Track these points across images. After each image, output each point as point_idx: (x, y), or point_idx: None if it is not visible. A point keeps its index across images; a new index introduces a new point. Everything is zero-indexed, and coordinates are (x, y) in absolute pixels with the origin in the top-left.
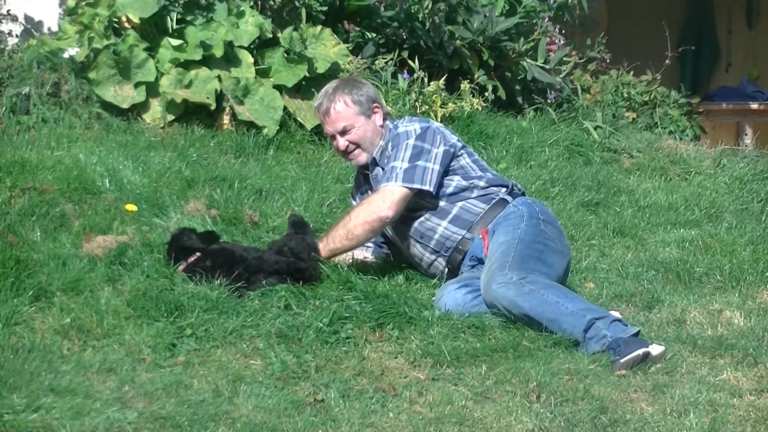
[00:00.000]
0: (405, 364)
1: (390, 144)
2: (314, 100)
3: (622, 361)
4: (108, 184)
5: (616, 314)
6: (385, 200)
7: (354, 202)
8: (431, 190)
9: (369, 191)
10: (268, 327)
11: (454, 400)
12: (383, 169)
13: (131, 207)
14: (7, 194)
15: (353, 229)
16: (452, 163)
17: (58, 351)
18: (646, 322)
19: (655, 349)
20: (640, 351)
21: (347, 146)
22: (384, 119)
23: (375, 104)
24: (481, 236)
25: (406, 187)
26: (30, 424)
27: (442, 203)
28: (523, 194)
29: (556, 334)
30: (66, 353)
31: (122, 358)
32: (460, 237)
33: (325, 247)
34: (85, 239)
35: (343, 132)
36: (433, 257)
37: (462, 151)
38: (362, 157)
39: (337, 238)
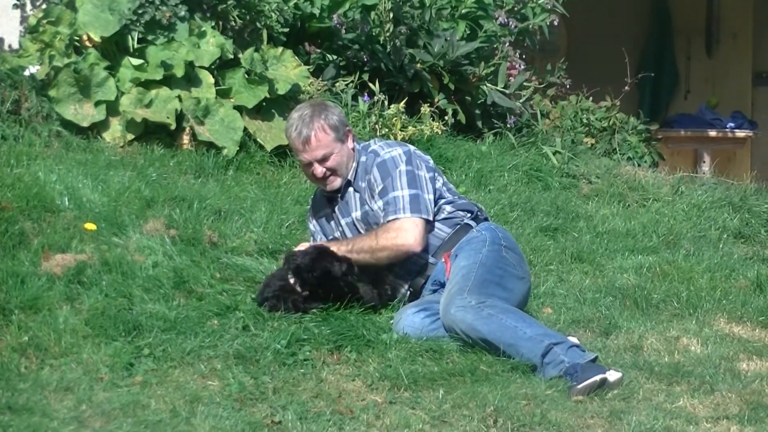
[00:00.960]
0: (363, 387)
1: (375, 171)
2: (288, 127)
3: (579, 386)
4: (67, 203)
5: (574, 340)
6: (412, 233)
7: (311, 226)
8: (432, 219)
9: (332, 214)
10: (226, 348)
11: (412, 424)
12: (377, 196)
13: (90, 226)
14: None
15: (379, 251)
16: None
17: (15, 369)
18: (604, 348)
19: (612, 375)
20: (597, 377)
21: (324, 173)
22: (354, 140)
23: (347, 128)
24: (444, 260)
25: (422, 218)
26: None
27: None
28: (486, 219)
29: (513, 358)
30: (24, 371)
31: (80, 377)
32: (424, 261)
33: (345, 251)
34: (43, 257)
35: (323, 159)
36: (399, 281)
37: (435, 175)
38: (337, 182)
39: (362, 253)
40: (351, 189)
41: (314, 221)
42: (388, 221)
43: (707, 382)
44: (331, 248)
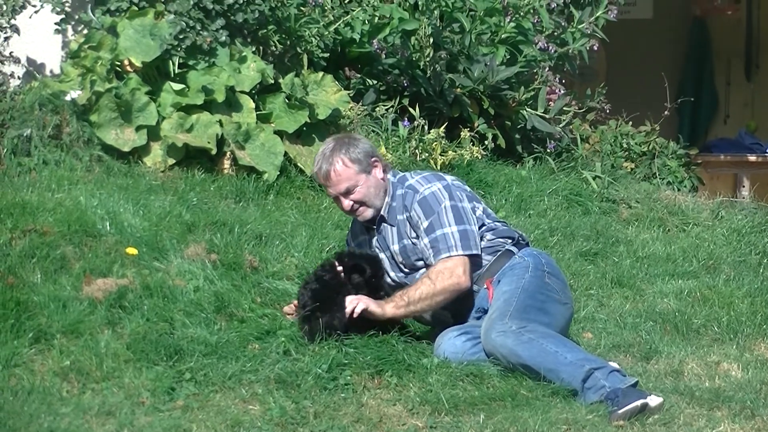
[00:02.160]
0: (403, 412)
1: (417, 207)
2: (313, 164)
3: (620, 411)
4: (108, 227)
5: (615, 365)
6: (463, 270)
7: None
8: (480, 253)
9: (369, 243)
10: (267, 372)
11: None
12: (422, 233)
13: (132, 250)
14: (8, 236)
15: (437, 295)
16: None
17: (57, 393)
18: (644, 372)
19: (653, 401)
20: (638, 402)
21: (352, 206)
22: (384, 171)
23: (373, 158)
24: (486, 287)
25: (472, 254)
26: None
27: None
28: (527, 244)
29: (554, 383)
30: (65, 396)
31: (121, 401)
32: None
33: (404, 305)
34: (85, 282)
35: (347, 192)
36: (440, 309)
37: (474, 203)
38: (368, 213)
39: (421, 301)
40: (385, 224)
41: (353, 245)
42: (440, 260)
43: (748, 407)
44: (390, 305)
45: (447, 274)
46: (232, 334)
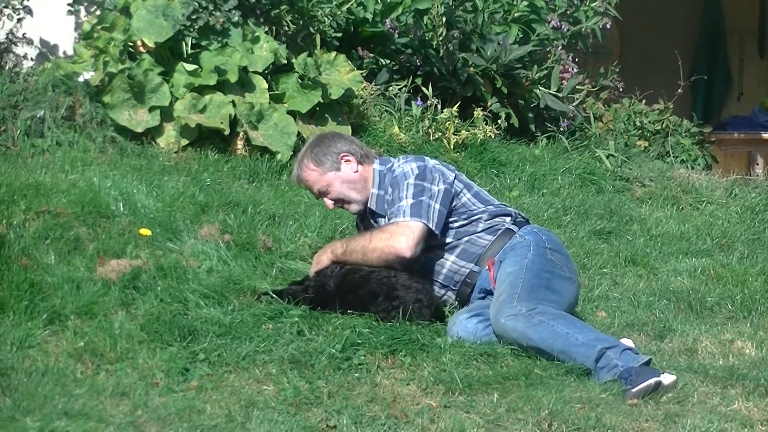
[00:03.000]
0: (417, 391)
1: (389, 188)
2: None
3: (633, 390)
4: (122, 208)
5: (628, 343)
6: (406, 238)
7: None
8: (436, 231)
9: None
10: (281, 353)
11: (466, 428)
12: (385, 216)
13: (145, 231)
14: (22, 217)
15: (370, 252)
16: (454, 203)
17: (71, 374)
18: (658, 351)
19: (667, 379)
20: (652, 380)
21: (334, 204)
22: (362, 163)
23: (342, 154)
24: (487, 268)
25: (422, 223)
26: None
27: (448, 239)
28: (528, 222)
29: (567, 363)
30: (79, 377)
31: (135, 382)
32: (468, 270)
33: (341, 251)
34: (99, 263)
35: (322, 193)
36: (442, 291)
37: (460, 186)
38: (353, 207)
39: (354, 253)
40: (379, 217)
41: (359, 228)
42: (387, 224)
43: (762, 385)
44: (327, 252)
45: (386, 235)
46: (245, 314)
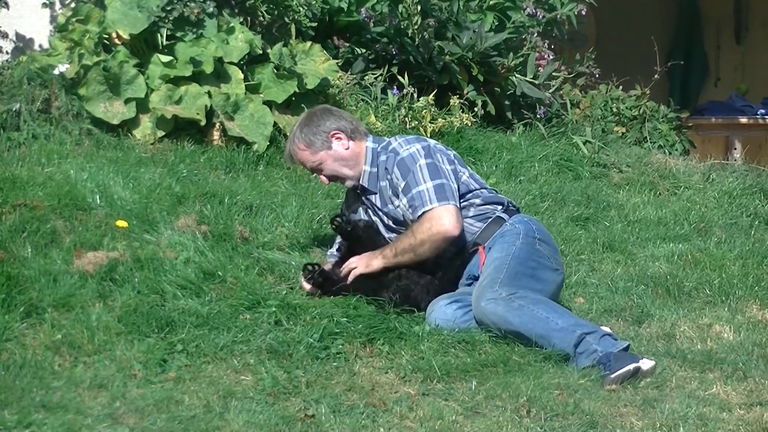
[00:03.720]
0: (395, 380)
1: (396, 170)
2: None
3: (612, 375)
4: (98, 200)
5: (606, 329)
6: (447, 219)
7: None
8: (458, 205)
9: (364, 208)
10: (259, 343)
11: (445, 416)
12: (401, 194)
13: (122, 223)
14: None
15: (419, 246)
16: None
17: (49, 367)
18: (636, 336)
19: (646, 364)
20: (631, 366)
21: (328, 180)
22: (352, 139)
23: (333, 132)
24: (478, 253)
25: (449, 204)
26: None
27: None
28: (518, 211)
29: (546, 348)
30: (57, 369)
31: (113, 374)
32: (451, 253)
33: (391, 254)
34: (76, 255)
35: (315, 170)
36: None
37: (459, 167)
38: (348, 183)
39: (405, 253)
40: (373, 194)
41: (347, 209)
42: (420, 215)
43: (740, 369)
44: (378, 257)
45: (427, 224)
46: (223, 305)
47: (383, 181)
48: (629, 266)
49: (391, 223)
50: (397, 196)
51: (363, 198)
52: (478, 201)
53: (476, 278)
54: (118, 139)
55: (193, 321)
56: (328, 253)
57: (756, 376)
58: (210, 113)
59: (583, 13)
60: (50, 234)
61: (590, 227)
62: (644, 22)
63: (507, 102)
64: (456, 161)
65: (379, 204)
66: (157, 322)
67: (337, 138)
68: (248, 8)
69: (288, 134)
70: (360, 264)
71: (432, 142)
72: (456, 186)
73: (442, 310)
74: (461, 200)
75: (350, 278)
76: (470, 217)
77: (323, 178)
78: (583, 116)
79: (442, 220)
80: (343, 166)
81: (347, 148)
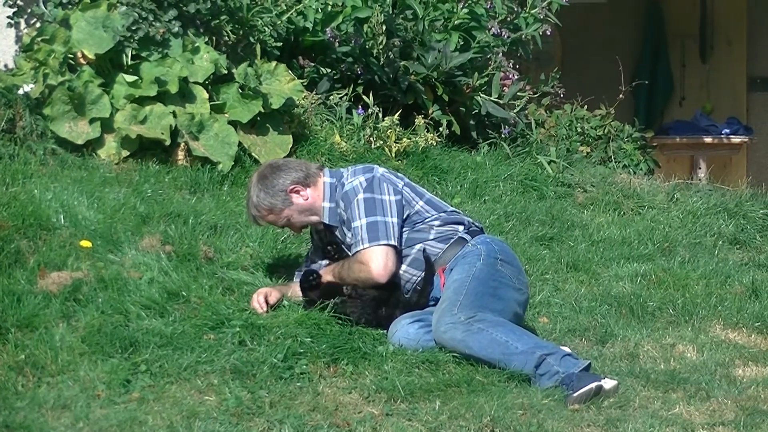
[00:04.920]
0: (359, 400)
1: (341, 202)
2: None
3: (575, 395)
4: (63, 220)
5: (566, 349)
6: (375, 264)
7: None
8: (396, 245)
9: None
10: (223, 363)
11: None
12: (346, 228)
13: (86, 243)
14: None
15: (353, 282)
16: (407, 212)
17: (12, 387)
18: (600, 356)
19: (608, 383)
20: (593, 385)
21: (300, 230)
22: (308, 186)
23: (289, 188)
24: (438, 274)
25: (381, 245)
26: None
27: (401, 247)
28: (482, 231)
29: (507, 370)
30: (21, 389)
31: (77, 394)
32: (419, 278)
33: (331, 277)
34: (39, 275)
35: (284, 226)
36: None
37: (412, 195)
38: (316, 222)
39: (341, 280)
40: (337, 228)
41: (312, 260)
42: (354, 253)
43: (703, 389)
44: (329, 273)
45: (357, 266)
46: (186, 325)
47: (336, 217)
48: (593, 286)
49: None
50: (349, 229)
51: (329, 234)
52: (437, 223)
53: (438, 300)
54: (82, 158)
55: (157, 341)
56: (296, 273)
57: (719, 396)
58: (175, 133)
59: (548, 33)
60: (14, 254)
61: (554, 247)
62: (609, 41)
63: (472, 122)
64: (407, 190)
65: (341, 237)
66: (120, 342)
67: (295, 192)
68: (213, 28)
69: (246, 200)
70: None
71: (380, 171)
72: (396, 221)
73: (404, 330)
74: (420, 223)
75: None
76: (431, 239)
77: (292, 232)
78: (548, 136)
79: (371, 264)
80: (310, 215)
81: (307, 198)
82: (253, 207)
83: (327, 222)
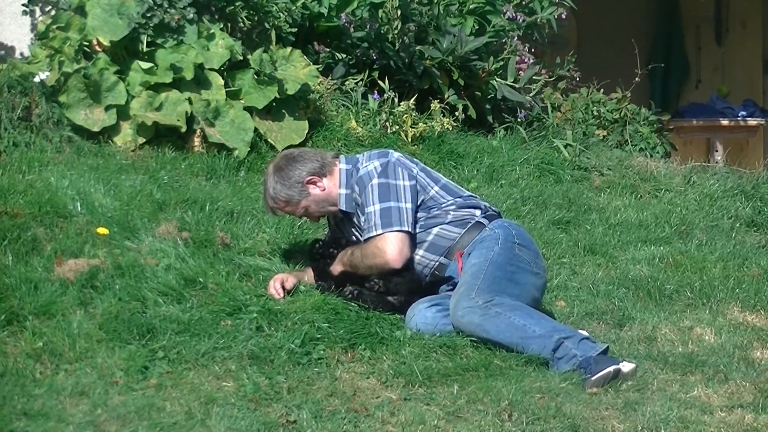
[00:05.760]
0: (377, 385)
1: (356, 187)
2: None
3: (593, 378)
4: (79, 208)
5: (584, 333)
6: (389, 250)
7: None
8: (411, 230)
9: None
10: (240, 349)
11: (426, 420)
12: (360, 212)
13: (103, 230)
14: None
15: (365, 268)
16: (421, 197)
17: (30, 375)
18: (617, 339)
19: (626, 367)
20: (611, 368)
21: (318, 219)
22: (324, 176)
23: (307, 180)
24: (456, 260)
25: (394, 231)
26: None
27: (417, 232)
28: (499, 215)
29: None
30: (38, 377)
31: (95, 381)
32: (437, 263)
33: (345, 262)
34: (56, 263)
35: (302, 216)
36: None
37: (427, 180)
38: (333, 210)
39: (353, 267)
40: (354, 215)
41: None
42: (366, 239)
43: (721, 372)
44: (338, 263)
45: (370, 251)
46: (204, 311)
47: (352, 202)
48: (610, 269)
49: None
50: (363, 213)
51: (346, 221)
52: (453, 208)
53: (455, 284)
54: (98, 146)
55: (174, 327)
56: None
57: (737, 379)
58: (190, 120)
59: (563, 16)
60: (31, 242)
61: (571, 230)
62: (625, 24)
63: (488, 106)
64: (422, 175)
65: (358, 223)
66: (138, 329)
67: (311, 183)
68: (228, 14)
69: (262, 192)
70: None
71: (395, 156)
72: (410, 206)
73: (422, 314)
74: (435, 209)
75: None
76: (447, 223)
77: (310, 220)
78: (564, 119)
79: (386, 249)
80: (327, 205)
81: (324, 189)
82: (270, 199)
83: (344, 209)
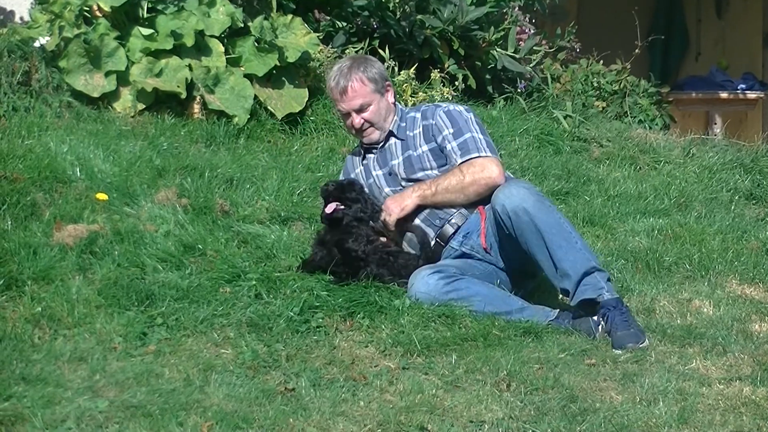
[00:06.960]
0: (375, 353)
1: (443, 117)
2: (328, 79)
3: (617, 352)
4: (78, 173)
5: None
6: (496, 167)
7: None
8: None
9: (363, 171)
10: (239, 316)
11: (425, 389)
12: (403, 139)
13: (102, 196)
14: None
15: (468, 186)
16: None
17: (29, 340)
18: None
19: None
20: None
21: (362, 124)
22: (394, 97)
23: (387, 82)
24: (478, 212)
25: (496, 158)
26: (1, 413)
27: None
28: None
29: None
30: (37, 342)
31: (93, 347)
32: (455, 211)
33: (430, 192)
34: (55, 228)
35: (360, 110)
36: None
37: None
38: (375, 135)
39: (449, 192)
40: (393, 139)
41: (354, 170)
42: (470, 158)
43: (719, 344)
44: (411, 197)
45: (478, 168)
46: (203, 278)
47: (411, 131)
48: (609, 241)
49: (402, 171)
50: (428, 142)
51: (374, 152)
52: None
53: (467, 236)
54: (98, 111)
55: (173, 294)
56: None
57: (735, 351)
58: (190, 86)
59: None
60: (30, 207)
61: (570, 201)
62: None
63: (488, 76)
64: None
65: (398, 152)
66: (137, 295)
67: (388, 89)
68: None
69: (336, 72)
70: (394, 209)
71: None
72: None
73: (424, 281)
74: None
75: (390, 225)
76: None
77: (358, 120)
78: (563, 91)
79: (493, 167)
80: (384, 116)
81: (392, 102)
82: (355, 74)
83: (395, 131)
